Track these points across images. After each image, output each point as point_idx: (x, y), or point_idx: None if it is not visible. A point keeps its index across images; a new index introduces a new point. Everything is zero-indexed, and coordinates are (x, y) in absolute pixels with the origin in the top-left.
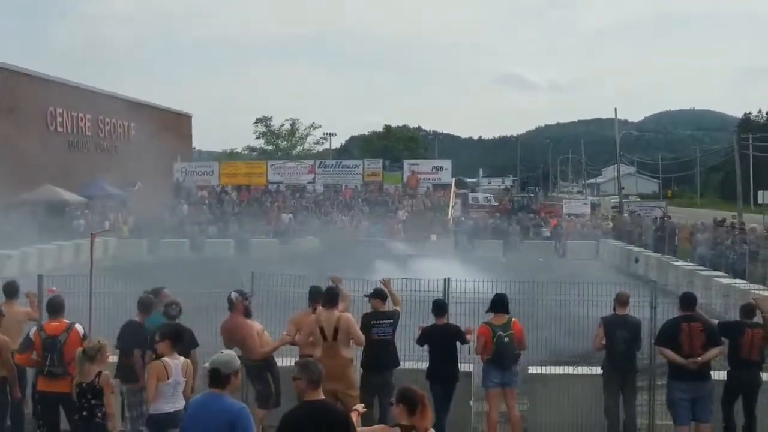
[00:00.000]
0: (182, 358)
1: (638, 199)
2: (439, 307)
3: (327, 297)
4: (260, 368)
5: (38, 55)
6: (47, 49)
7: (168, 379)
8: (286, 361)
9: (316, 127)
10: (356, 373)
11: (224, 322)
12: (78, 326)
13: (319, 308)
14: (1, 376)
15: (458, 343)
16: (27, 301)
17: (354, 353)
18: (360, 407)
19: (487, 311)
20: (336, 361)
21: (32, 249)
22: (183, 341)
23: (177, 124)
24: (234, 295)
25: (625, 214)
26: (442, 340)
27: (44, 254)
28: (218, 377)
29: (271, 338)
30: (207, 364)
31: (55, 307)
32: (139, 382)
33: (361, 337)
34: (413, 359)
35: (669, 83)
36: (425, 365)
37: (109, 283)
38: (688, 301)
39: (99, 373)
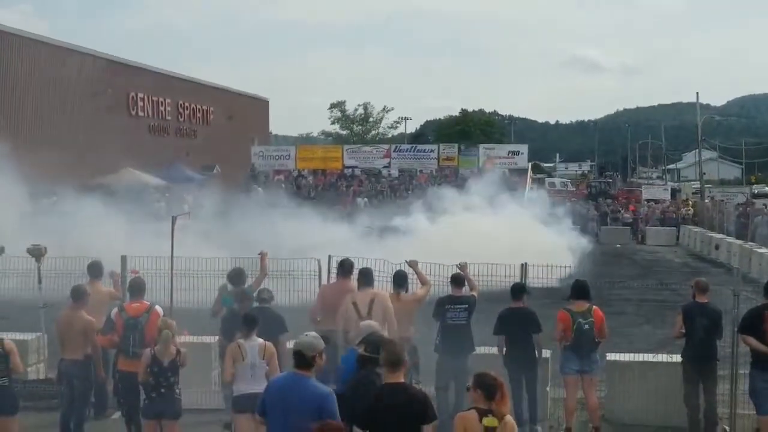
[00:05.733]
0: (260, 341)
1: None
2: (516, 290)
3: (362, 276)
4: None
5: (117, 39)
6: (125, 34)
7: (244, 360)
8: None
9: (388, 110)
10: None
11: (330, 286)
12: (158, 307)
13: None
14: (86, 355)
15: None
16: (110, 281)
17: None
18: None
19: (567, 298)
20: None
21: (115, 231)
22: (252, 327)
23: (254, 108)
24: (351, 261)
25: (707, 200)
26: (517, 324)
27: (126, 236)
28: (302, 359)
29: None
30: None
31: (136, 289)
32: None
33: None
34: (491, 344)
35: (753, 65)
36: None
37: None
38: None
39: (178, 351)
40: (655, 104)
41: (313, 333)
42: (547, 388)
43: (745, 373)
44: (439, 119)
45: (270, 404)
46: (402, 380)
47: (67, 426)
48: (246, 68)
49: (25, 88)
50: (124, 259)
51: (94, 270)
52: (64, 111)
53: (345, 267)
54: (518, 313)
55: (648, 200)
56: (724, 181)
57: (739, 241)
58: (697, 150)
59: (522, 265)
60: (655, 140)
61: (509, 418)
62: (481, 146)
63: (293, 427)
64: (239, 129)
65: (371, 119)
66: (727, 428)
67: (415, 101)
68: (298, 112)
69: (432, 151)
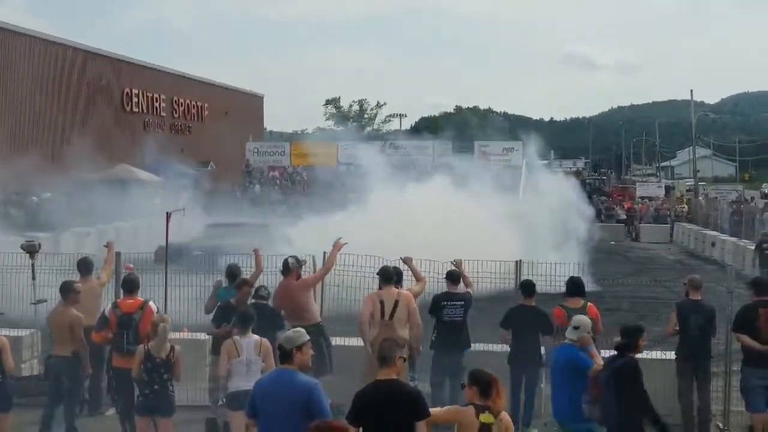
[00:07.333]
0: (255, 337)
1: None
2: (527, 288)
3: (383, 275)
4: (313, 333)
5: (112, 34)
6: (120, 29)
7: (239, 356)
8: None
9: (381, 106)
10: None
11: (279, 288)
12: (152, 304)
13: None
14: (74, 351)
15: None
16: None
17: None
18: None
19: (564, 295)
20: None
21: (109, 226)
22: (248, 323)
23: (249, 104)
24: (291, 260)
25: (700, 197)
26: (526, 323)
27: (121, 232)
28: (283, 353)
29: None
30: None
31: (130, 285)
32: None
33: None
34: (486, 341)
35: (748, 63)
36: (495, 347)
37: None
38: (761, 285)
39: (172, 348)
40: (650, 102)
41: (298, 328)
42: (542, 385)
43: (739, 370)
44: (435, 116)
45: (259, 402)
46: (394, 377)
47: (49, 423)
48: (240, 64)
49: (18, 84)
50: (118, 255)
51: (84, 266)
52: (58, 107)
53: (284, 266)
54: (529, 312)
55: (642, 197)
56: (718, 178)
57: (733, 239)
58: (691, 147)
59: (516, 262)
60: (649, 138)
61: (505, 415)
62: (476, 143)
63: (284, 422)
64: (234, 125)
65: (366, 116)
66: (720, 425)
67: (410, 98)
68: (293, 109)
69: (427, 147)
